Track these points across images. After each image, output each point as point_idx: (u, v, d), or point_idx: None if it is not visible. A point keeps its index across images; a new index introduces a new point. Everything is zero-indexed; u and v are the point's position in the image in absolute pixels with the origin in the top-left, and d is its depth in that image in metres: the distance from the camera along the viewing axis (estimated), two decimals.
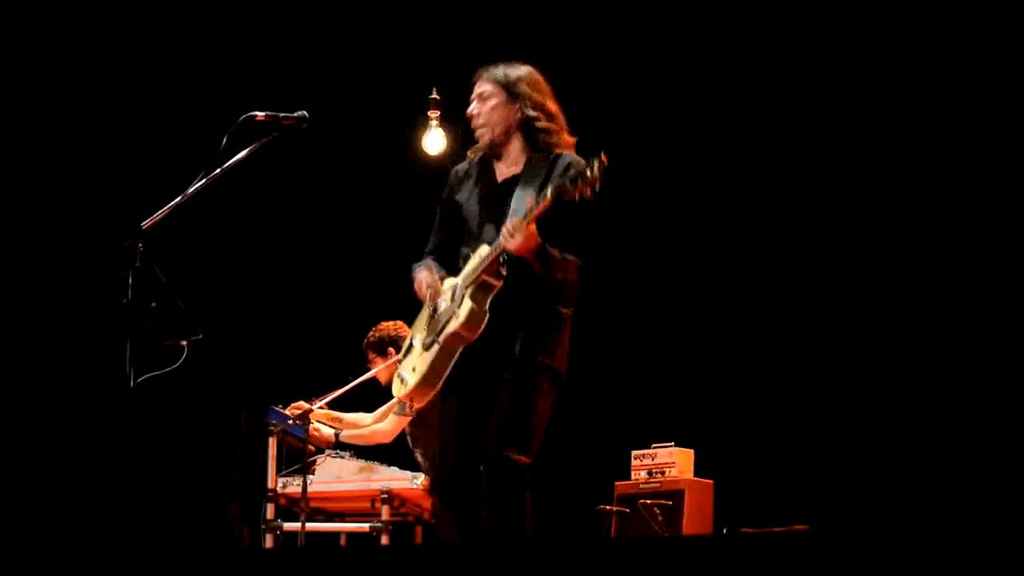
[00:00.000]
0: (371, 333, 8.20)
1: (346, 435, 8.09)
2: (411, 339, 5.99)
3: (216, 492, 10.18)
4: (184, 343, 6.12)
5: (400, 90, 10.02)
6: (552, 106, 5.92)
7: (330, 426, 8.19)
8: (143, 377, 5.89)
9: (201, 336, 6.08)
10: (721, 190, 10.21)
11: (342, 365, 8.43)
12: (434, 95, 9.61)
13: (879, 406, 9.49)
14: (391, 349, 8.07)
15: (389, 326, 8.19)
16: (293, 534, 7.56)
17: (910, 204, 9.58)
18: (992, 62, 9.28)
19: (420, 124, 9.78)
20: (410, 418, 7.99)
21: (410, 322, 8.01)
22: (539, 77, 5.98)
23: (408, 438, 8.12)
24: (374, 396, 8.46)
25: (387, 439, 8.08)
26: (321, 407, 8.01)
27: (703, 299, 10.27)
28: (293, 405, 7.92)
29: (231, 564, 3.92)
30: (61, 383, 9.76)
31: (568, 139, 5.89)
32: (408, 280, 6.01)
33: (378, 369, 8.14)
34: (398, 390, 6.00)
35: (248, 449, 10.40)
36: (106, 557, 4.19)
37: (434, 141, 9.72)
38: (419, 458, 8.08)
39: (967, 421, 9.09)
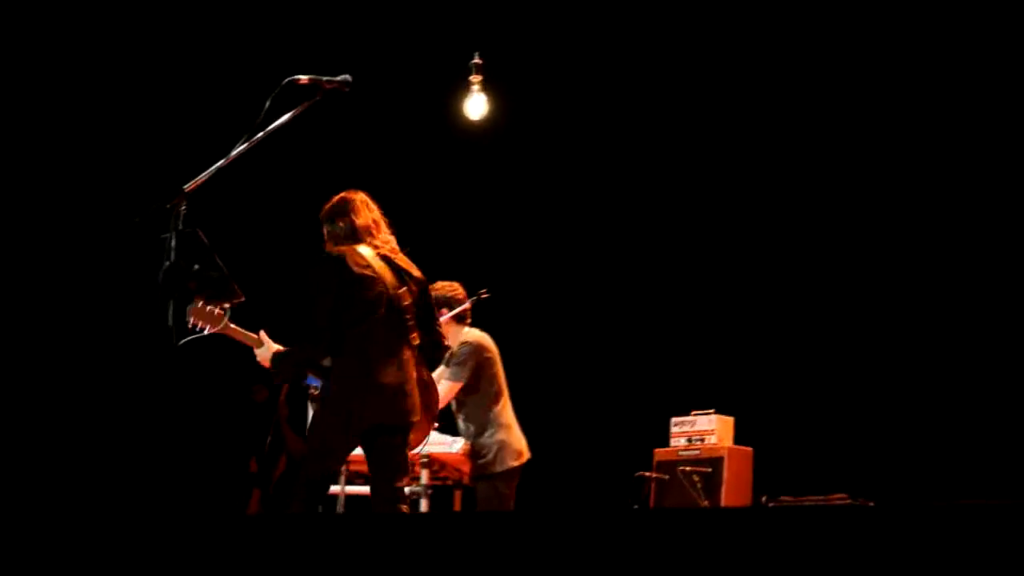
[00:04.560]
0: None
1: None
2: None
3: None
4: (226, 306, 6.13)
5: (442, 54, 9.99)
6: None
7: None
8: (186, 339, 5.91)
9: (244, 299, 6.10)
10: (765, 163, 10.19)
11: None
12: (476, 60, 9.57)
13: (921, 373, 9.47)
14: (444, 309, 8.05)
15: (445, 286, 8.15)
16: (333, 497, 7.59)
17: (944, 179, 9.57)
18: (992, 62, 9.29)
19: (462, 89, 9.74)
20: (462, 383, 7.97)
21: (466, 283, 8.09)
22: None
23: (453, 402, 8.12)
24: None
25: (440, 404, 8.05)
26: None
27: (745, 267, 10.25)
28: None
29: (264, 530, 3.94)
30: (106, 344, 9.85)
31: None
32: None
33: None
34: None
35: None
36: (149, 519, 4.22)
37: (476, 105, 9.69)
38: (461, 423, 8.08)
39: (1011, 394, 9.06)
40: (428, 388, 6.81)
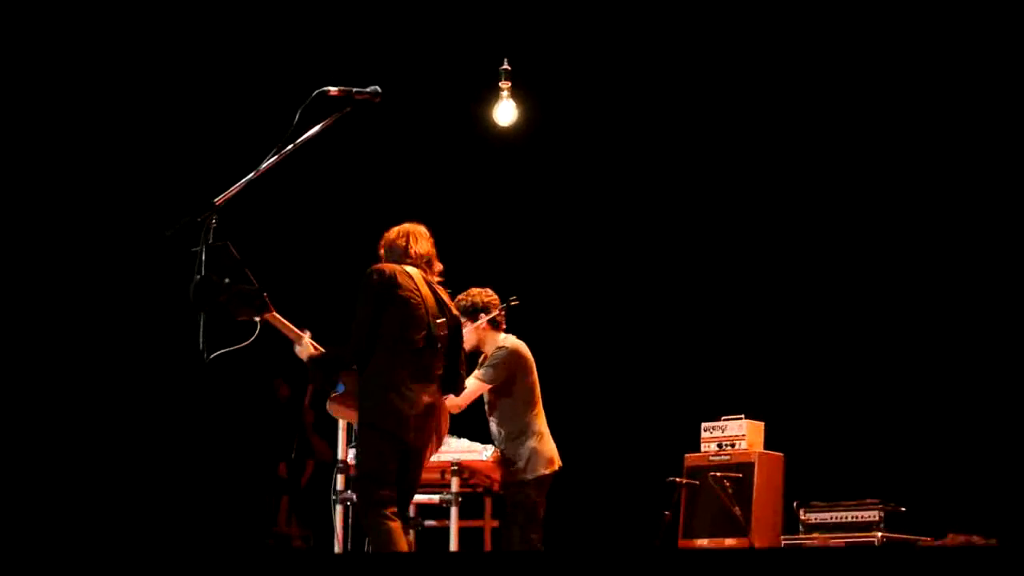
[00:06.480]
0: (461, 297, 8.13)
1: None
2: None
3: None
4: (257, 319, 6.14)
5: (471, 61, 10.01)
6: None
7: None
8: (216, 353, 5.91)
9: (274, 311, 6.12)
10: (800, 171, 10.18)
11: None
12: (505, 66, 9.59)
13: (954, 377, 9.44)
14: (480, 315, 8.07)
15: (479, 292, 8.18)
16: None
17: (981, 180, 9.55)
18: (992, 62, 9.31)
19: (491, 95, 9.76)
20: (491, 386, 7.98)
21: (497, 289, 8.12)
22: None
23: (486, 406, 8.13)
24: None
25: (463, 403, 7.99)
26: None
27: (775, 273, 10.24)
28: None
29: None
30: (136, 354, 9.91)
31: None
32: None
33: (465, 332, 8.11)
34: None
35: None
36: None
37: (505, 112, 9.70)
38: (493, 427, 8.08)
39: None
40: (443, 412, 7.03)
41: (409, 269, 6.88)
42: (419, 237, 7.00)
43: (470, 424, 8.16)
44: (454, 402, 7.88)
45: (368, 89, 5.89)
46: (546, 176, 10.78)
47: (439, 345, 6.87)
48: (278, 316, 6.77)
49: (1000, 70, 9.41)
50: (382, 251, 7.01)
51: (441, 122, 10.52)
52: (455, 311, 7.11)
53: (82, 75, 10.06)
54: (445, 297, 7.02)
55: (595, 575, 3.23)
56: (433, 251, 7.05)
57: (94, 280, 9.98)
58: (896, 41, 9.73)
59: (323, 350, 6.89)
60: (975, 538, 7.71)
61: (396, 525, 6.69)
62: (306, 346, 6.86)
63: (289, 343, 6.91)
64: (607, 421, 10.37)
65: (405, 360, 6.74)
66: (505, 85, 9.64)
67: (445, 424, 7.05)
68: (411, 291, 6.79)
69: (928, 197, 9.75)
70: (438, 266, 7.06)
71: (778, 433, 9.29)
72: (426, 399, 6.77)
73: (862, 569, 3.11)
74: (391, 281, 6.76)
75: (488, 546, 8.14)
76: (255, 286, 5.58)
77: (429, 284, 6.93)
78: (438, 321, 6.87)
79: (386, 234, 7.03)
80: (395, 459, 6.72)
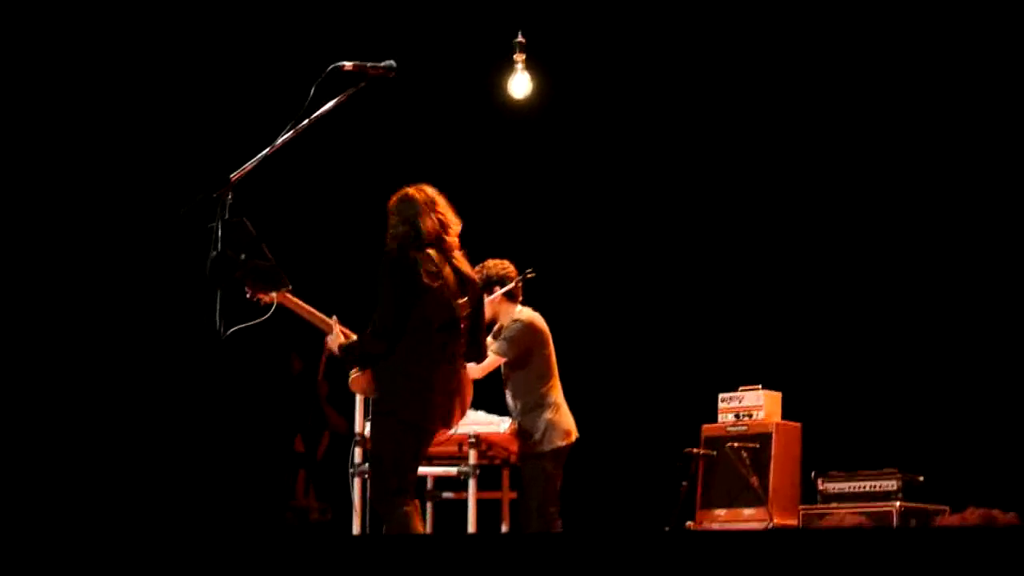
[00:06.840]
0: (477, 270, 8.05)
1: None
2: None
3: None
4: (273, 295, 6.15)
5: (486, 34, 9.99)
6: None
7: None
8: (233, 329, 5.95)
9: (290, 287, 6.13)
10: (816, 136, 10.15)
11: None
12: (519, 38, 9.57)
13: (974, 344, 9.42)
14: (496, 287, 8.06)
15: (496, 264, 8.15)
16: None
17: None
18: (992, 62, 9.29)
19: (506, 68, 9.75)
20: (506, 360, 7.98)
21: (513, 261, 8.09)
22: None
23: (502, 377, 8.14)
24: None
25: (479, 375, 7.99)
26: None
27: (791, 240, 10.22)
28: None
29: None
30: (152, 333, 9.94)
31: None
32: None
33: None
34: None
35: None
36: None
37: (520, 84, 9.69)
38: (509, 399, 8.09)
39: None
40: (467, 387, 7.00)
41: (432, 253, 6.75)
42: (424, 209, 6.77)
43: (488, 396, 8.17)
44: (472, 372, 7.91)
45: (383, 64, 5.88)
46: (561, 148, 10.77)
47: (461, 325, 6.83)
48: (303, 304, 6.76)
49: (1002, 68, 9.39)
50: (390, 224, 6.81)
51: (456, 95, 10.52)
52: (474, 279, 7.03)
53: (97, 52, 10.07)
54: (465, 268, 6.92)
55: (613, 556, 3.23)
56: (443, 216, 6.81)
57: (110, 257, 10.01)
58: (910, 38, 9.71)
59: (354, 336, 6.87)
60: (995, 512, 7.70)
61: (411, 508, 6.72)
62: (337, 335, 6.87)
63: (306, 325, 6.89)
64: (624, 392, 10.38)
65: (425, 347, 6.70)
66: (519, 57, 9.63)
67: (469, 396, 7.03)
68: (432, 276, 6.69)
69: (942, 170, 9.71)
70: (453, 230, 6.85)
71: (796, 403, 9.30)
72: (449, 384, 6.77)
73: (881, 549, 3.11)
74: (413, 268, 6.66)
75: (506, 518, 8.16)
76: (271, 262, 5.58)
77: (448, 260, 6.81)
78: (460, 302, 6.81)
79: (390, 206, 6.82)
80: (415, 448, 6.74)
